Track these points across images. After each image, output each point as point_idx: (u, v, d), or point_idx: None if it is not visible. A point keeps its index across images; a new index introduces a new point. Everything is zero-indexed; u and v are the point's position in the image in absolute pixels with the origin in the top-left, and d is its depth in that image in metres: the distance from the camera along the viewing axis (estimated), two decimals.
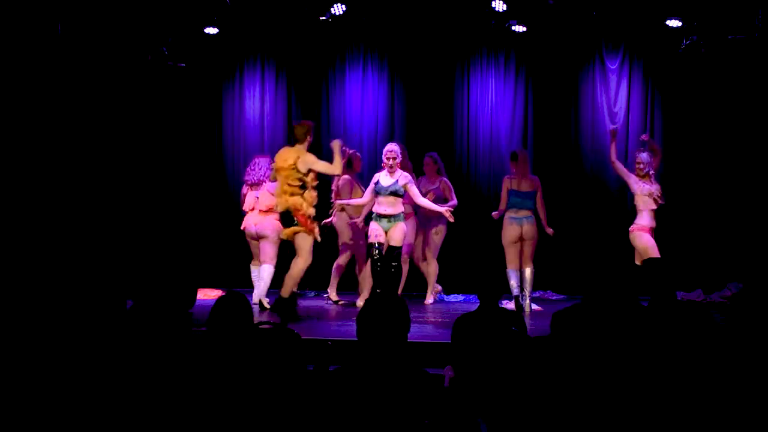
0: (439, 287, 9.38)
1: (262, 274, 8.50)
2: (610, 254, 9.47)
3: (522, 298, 8.55)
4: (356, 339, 3.49)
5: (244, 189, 8.81)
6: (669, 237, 9.61)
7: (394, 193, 8.17)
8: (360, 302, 8.63)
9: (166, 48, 9.53)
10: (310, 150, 7.76)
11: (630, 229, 8.06)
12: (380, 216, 8.23)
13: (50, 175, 9.08)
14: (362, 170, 9.30)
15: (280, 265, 8.31)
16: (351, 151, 8.83)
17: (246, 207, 8.71)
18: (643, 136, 8.57)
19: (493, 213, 8.73)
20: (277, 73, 10.21)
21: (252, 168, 8.82)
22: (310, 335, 6.39)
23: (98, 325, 4.03)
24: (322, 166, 7.66)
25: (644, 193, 7.99)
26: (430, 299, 9.11)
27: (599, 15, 9.32)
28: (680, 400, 3.43)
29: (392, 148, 8.23)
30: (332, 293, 9.08)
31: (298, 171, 7.54)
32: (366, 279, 8.64)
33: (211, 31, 9.49)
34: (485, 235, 9.83)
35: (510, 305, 8.53)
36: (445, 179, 8.96)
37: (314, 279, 9.76)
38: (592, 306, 3.89)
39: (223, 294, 4.20)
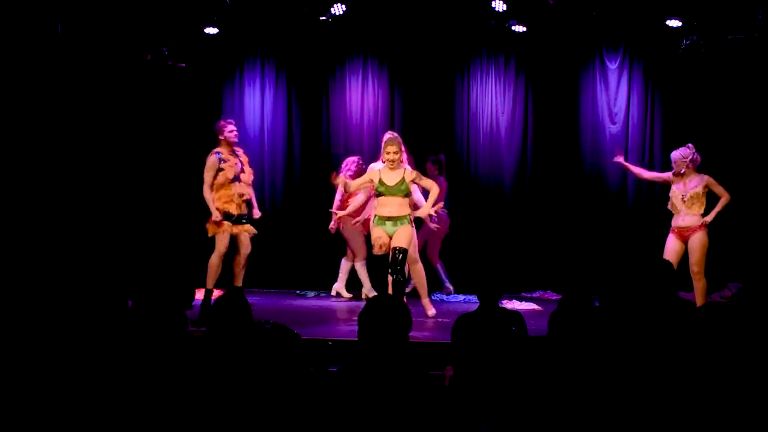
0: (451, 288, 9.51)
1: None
2: (608, 254, 9.50)
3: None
4: (357, 339, 3.49)
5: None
6: None
7: (402, 193, 7.32)
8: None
9: (166, 48, 9.52)
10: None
11: (697, 227, 7.83)
12: (383, 218, 7.37)
13: (50, 176, 9.09)
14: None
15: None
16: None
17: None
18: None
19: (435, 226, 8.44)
20: (277, 74, 10.20)
21: (340, 169, 9.04)
22: (310, 335, 6.39)
23: (98, 325, 4.03)
24: (206, 177, 7.87)
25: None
26: (430, 309, 7.97)
27: (599, 15, 9.32)
28: (680, 400, 3.43)
29: (391, 137, 7.53)
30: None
31: None
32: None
33: (211, 31, 9.49)
34: (485, 235, 9.85)
35: (510, 305, 8.54)
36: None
37: (314, 279, 9.78)
38: (585, 304, 3.88)
39: (222, 293, 4.20)
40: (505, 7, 9.19)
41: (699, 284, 7.75)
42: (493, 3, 9.15)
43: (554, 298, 9.50)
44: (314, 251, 9.72)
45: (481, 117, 10.02)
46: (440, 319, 7.86)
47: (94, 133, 9.49)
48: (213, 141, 10.29)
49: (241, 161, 8.01)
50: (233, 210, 7.87)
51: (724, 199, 7.73)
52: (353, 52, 10.12)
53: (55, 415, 3.49)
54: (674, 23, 9.06)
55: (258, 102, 10.18)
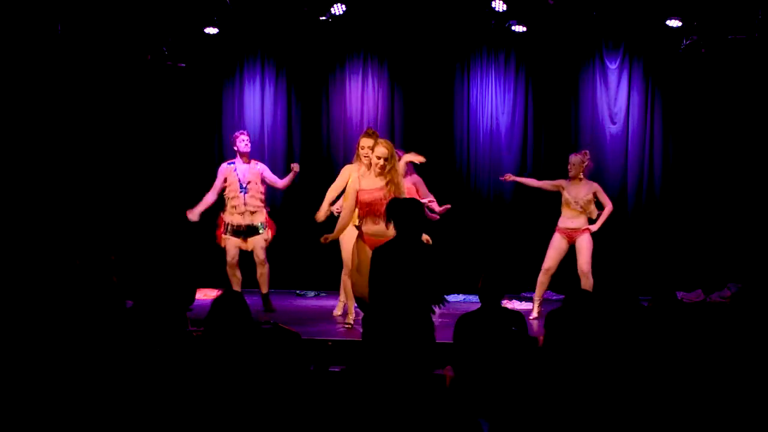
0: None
1: None
2: (608, 254, 9.49)
3: None
4: (358, 340, 3.48)
5: None
6: (669, 237, 9.63)
7: None
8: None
9: (166, 48, 9.52)
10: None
11: (584, 230, 8.13)
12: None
13: (50, 175, 9.09)
14: None
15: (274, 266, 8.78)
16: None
17: None
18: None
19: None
20: (277, 74, 10.18)
21: None
22: (310, 335, 6.38)
23: (95, 324, 4.03)
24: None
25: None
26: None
27: (599, 15, 9.31)
28: (679, 399, 3.43)
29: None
30: None
31: None
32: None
33: (211, 31, 9.47)
34: (485, 235, 9.85)
35: (510, 305, 8.53)
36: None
37: (315, 279, 9.78)
38: (584, 305, 3.88)
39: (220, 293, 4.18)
40: (505, 7, 9.18)
41: (588, 282, 8.07)
42: (493, 3, 9.14)
43: (554, 298, 9.48)
44: (314, 251, 9.69)
45: (481, 117, 10.01)
46: (440, 319, 7.84)
47: (94, 132, 9.49)
48: (212, 141, 10.38)
49: (251, 172, 8.42)
50: (233, 221, 8.37)
51: (608, 208, 8.15)
52: (353, 51, 10.10)
53: (52, 414, 3.49)
54: (674, 23, 9.05)
55: (258, 102, 10.17)
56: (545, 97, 9.91)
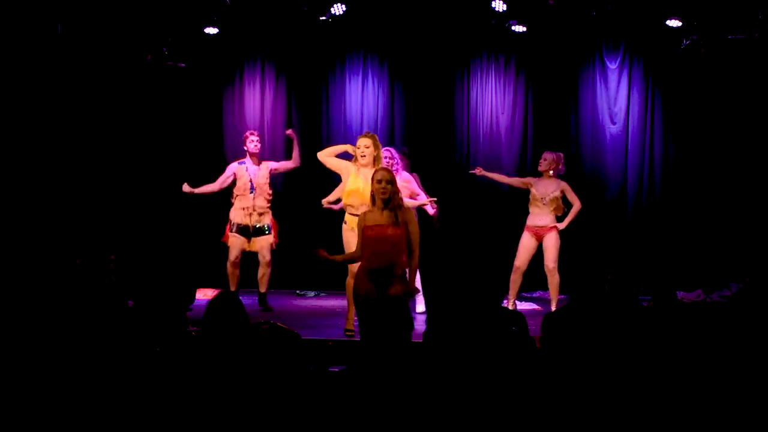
0: None
1: None
2: (608, 254, 9.49)
3: None
4: (358, 340, 3.49)
5: None
6: (669, 236, 9.63)
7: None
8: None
9: (166, 48, 9.52)
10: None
11: (551, 227, 8.17)
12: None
13: (50, 175, 9.09)
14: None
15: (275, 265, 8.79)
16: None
17: None
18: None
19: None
20: (277, 74, 10.18)
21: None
22: (310, 335, 6.38)
23: (95, 324, 4.03)
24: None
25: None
26: None
27: (599, 15, 9.32)
28: (679, 399, 3.43)
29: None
30: None
31: None
32: None
33: (211, 31, 9.48)
34: (484, 235, 9.84)
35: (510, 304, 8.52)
36: None
37: (314, 279, 9.78)
38: (583, 307, 3.88)
39: (216, 295, 4.16)
40: (505, 7, 9.19)
41: (554, 279, 8.20)
42: (493, 3, 9.15)
43: (548, 296, 9.47)
44: (314, 251, 9.69)
45: (481, 117, 10.01)
46: None
47: (94, 132, 9.49)
48: (212, 141, 10.38)
49: (261, 174, 8.48)
50: (240, 221, 8.40)
51: (577, 206, 8.20)
52: (353, 50, 10.10)
53: (53, 414, 3.49)
54: (674, 23, 9.06)
55: (258, 101, 10.17)
56: (545, 97, 9.92)
